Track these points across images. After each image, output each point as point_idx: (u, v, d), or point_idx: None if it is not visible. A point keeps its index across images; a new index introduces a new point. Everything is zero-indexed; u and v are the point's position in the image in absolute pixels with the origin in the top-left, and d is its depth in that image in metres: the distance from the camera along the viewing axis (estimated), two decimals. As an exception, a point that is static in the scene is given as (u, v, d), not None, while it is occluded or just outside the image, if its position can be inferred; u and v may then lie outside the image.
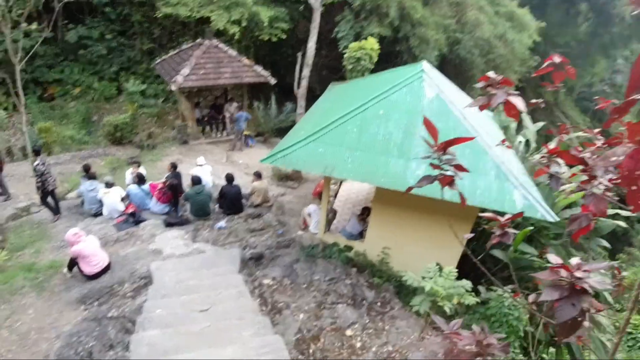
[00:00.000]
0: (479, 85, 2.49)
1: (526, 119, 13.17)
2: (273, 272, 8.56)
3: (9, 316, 7.65)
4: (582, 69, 33.43)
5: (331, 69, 24.43)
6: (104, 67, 23.39)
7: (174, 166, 12.06)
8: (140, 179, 11.29)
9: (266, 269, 8.78)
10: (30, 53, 15.04)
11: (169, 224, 10.45)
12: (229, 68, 16.69)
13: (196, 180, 10.85)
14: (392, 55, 20.89)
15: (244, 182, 13.13)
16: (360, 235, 10.48)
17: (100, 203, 11.03)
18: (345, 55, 14.04)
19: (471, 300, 7.21)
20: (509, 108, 2.38)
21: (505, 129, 12.12)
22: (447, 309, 6.97)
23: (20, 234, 10.63)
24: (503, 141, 3.93)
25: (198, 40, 17.87)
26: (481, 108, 2.52)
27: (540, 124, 13.63)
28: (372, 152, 8.85)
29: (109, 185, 10.93)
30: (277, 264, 8.91)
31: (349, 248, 9.91)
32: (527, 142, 12.30)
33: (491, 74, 2.48)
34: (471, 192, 8.22)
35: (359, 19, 20.09)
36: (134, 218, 10.59)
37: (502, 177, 8.41)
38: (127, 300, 7.90)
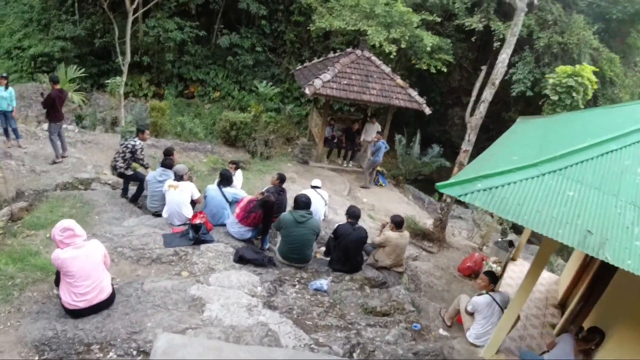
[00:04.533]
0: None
1: None
2: None
3: None
4: None
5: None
6: (247, 78, 20.55)
7: (281, 179, 7.38)
8: (224, 179, 6.83)
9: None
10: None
11: (241, 259, 5.68)
12: (377, 84, 12.11)
13: (303, 203, 5.95)
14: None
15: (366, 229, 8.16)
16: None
17: (164, 200, 6.79)
18: (550, 82, 8.70)
19: None
20: None
21: None
22: None
23: (55, 208, 6.70)
24: None
25: (348, 49, 13.72)
26: None
27: None
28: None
29: (178, 177, 6.65)
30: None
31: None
32: None
33: None
34: None
35: (540, 63, 14.61)
36: (196, 233, 6.06)
37: None
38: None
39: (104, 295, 4.21)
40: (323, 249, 7.02)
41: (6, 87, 8.68)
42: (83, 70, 12.56)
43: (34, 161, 8.40)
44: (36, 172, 7.93)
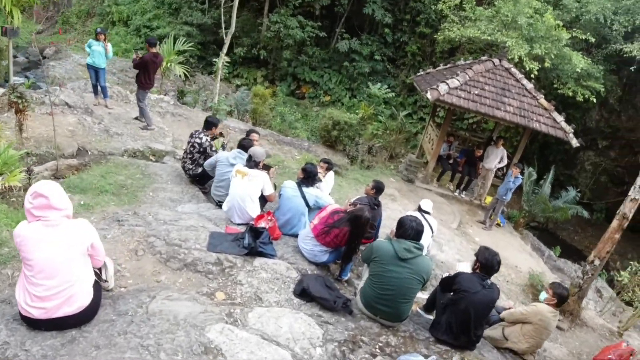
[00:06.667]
0: None
1: None
2: None
3: None
4: None
5: (614, 178, 15.72)
6: (360, 86, 18.94)
7: (377, 188, 5.36)
8: (308, 176, 4.92)
9: None
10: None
11: (304, 292, 3.69)
12: (515, 101, 9.50)
13: (412, 230, 3.69)
14: None
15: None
16: None
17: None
18: None
19: None
20: None
21: None
22: None
23: (109, 174, 5.45)
24: None
25: (483, 57, 11.30)
26: None
27: None
28: None
29: (252, 162, 4.88)
30: None
31: None
32: None
33: None
34: None
35: None
36: (254, 240, 4.22)
37: None
38: None
39: (73, 308, 2.50)
40: (423, 296, 4.82)
41: (104, 43, 7.93)
42: (192, 44, 11.73)
43: (113, 123, 7.41)
44: (109, 133, 6.87)
